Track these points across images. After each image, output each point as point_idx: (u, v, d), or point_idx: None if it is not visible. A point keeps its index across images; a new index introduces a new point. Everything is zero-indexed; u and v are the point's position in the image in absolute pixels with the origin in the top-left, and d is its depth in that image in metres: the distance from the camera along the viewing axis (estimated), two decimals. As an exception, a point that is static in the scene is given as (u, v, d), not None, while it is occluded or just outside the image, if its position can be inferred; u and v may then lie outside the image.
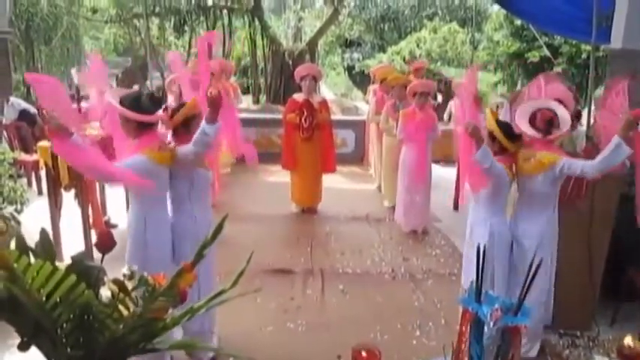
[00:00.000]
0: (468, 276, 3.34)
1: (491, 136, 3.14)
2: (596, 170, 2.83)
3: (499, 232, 3.18)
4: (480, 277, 1.34)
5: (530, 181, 3.11)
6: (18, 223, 4.09)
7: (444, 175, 6.92)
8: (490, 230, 3.15)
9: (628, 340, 1.46)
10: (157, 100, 2.86)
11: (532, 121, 3.03)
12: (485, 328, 1.25)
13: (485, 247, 1.40)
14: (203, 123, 2.74)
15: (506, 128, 3.12)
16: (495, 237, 3.16)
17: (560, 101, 4.40)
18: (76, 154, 2.27)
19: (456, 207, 6.32)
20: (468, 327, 1.30)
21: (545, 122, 3.01)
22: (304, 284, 4.35)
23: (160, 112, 2.80)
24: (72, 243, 4.25)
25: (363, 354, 1.16)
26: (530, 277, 1.26)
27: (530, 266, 1.25)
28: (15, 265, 1.00)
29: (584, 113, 5.16)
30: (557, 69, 12.87)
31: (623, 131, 2.64)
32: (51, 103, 2.40)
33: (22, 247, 1.11)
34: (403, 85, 6.03)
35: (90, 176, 2.74)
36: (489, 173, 2.96)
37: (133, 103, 2.70)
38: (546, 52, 11.09)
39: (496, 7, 11.83)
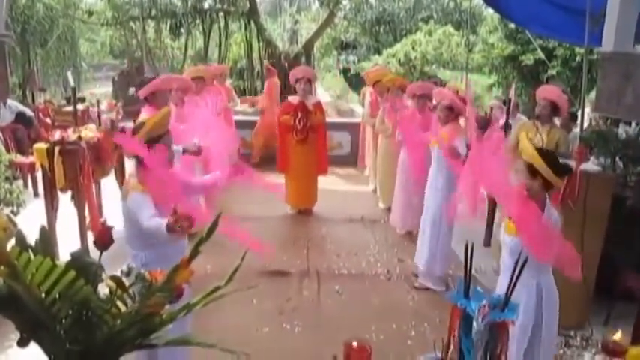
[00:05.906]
0: None
1: (531, 170, 2.43)
2: None
3: (547, 290, 2.57)
4: (468, 274, 1.37)
5: None
6: (14, 225, 4.09)
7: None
8: (537, 291, 2.54)
9: (614, 336, 1.49)
10: None
11: None
12: (474, 324, 1.29)
13: (472, 248, 1.42)
14: (162, 226, 2.22)
15: (551, 158, 2.45)
16: (544, 298, 2.55)
17: (556, 103, 4.46)
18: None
19: (487, 244, 5.32)
20: (458, 322, 1.34)
21: None
22: (300, 285, 4.38)
23: None
24: (68, 244, 4.26)
25: (354, 345, 1.19)
26: (517, 272, 1.29)
27: (516, 263, 1.29)
28: (16, 261, 1.03)
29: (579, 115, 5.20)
30: (552, 72, 12.93)
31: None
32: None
33: (23, 244, 1.14)
34: (399, 87, 6.05)
35: None
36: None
37: None
38: (541, 54, 11.11)
39: (491, 10, 11.89)
